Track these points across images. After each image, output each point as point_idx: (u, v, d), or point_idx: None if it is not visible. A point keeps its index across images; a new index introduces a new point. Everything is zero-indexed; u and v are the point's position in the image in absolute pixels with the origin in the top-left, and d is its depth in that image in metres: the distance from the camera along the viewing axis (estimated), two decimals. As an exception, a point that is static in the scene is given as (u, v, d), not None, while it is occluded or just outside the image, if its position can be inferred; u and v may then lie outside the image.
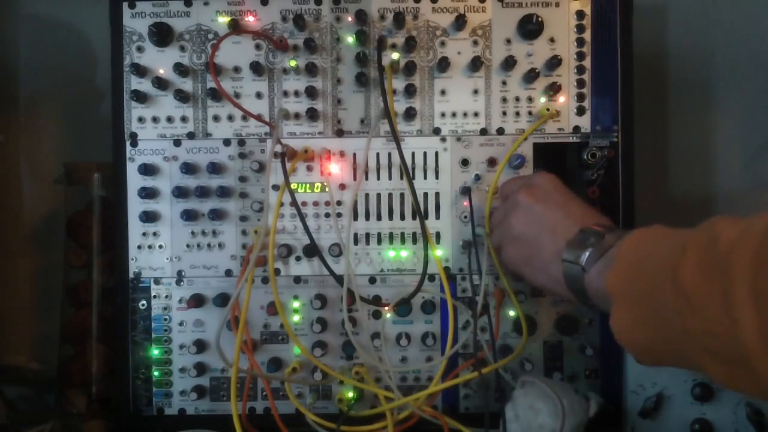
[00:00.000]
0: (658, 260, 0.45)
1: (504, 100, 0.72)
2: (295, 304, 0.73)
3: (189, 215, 0.72)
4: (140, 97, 0.71)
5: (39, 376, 0.90)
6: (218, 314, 0.72)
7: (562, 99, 0.72)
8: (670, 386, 0.66)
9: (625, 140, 0.72)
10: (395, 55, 0.71)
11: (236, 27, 0.71)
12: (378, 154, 0.72)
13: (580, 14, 0.71)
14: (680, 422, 0.66)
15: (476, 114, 0.72)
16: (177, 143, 0.73)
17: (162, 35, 0.71)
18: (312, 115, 0.71)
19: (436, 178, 0.72)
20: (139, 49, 0.72)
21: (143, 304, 0.73)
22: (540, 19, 0.70)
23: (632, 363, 0.67)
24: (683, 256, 0.42)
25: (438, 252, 0.72)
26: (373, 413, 0.69)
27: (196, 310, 0.72)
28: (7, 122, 0.93)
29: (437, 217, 0.72)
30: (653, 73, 0.93)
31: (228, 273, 0.73)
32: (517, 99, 0.72)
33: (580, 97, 0.72)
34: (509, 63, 0.70)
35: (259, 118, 0.71)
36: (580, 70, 0.72)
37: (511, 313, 0.71)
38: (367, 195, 0.72)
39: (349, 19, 0.72)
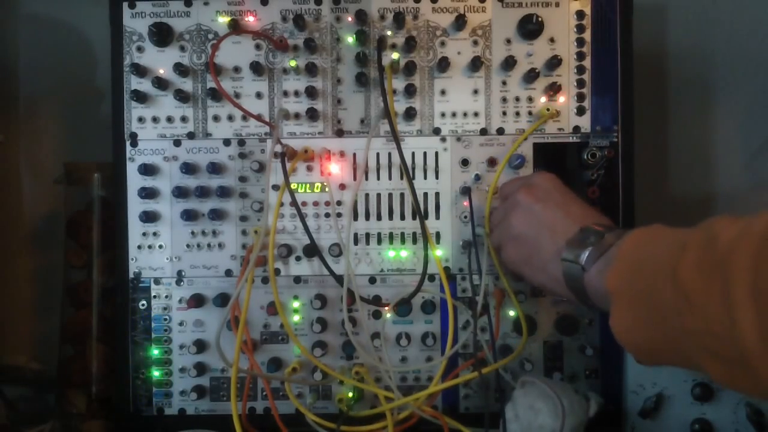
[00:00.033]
0: (658, 260, 0.45)
1: (504, 100, 0.72)
2: (295, 304, 0.73)
3: (189, 215, 0.72)
4: (140, 97, 0.71)
5: (39, 376, 0.90)
6: (218, 314, 0.72)
7: (562, 99, 0.72)
8: (670, 386, 0.66)
9: (625, 140, 0.72)
10: (395, 55, 0.71)
11: (236, 27, 0.71)
12: (378, 154, 0.72)
13: (580, 14, 0.71)
14: (680, 422, 0.66)
15: (476, 114, 0.72)
16: (177, 143, 0.73)
17: (162, 35, 0.71)
18: (312, 115, 0.71)
19: (436, 178, 0.72)
20: (139, 49, 0.72)
21: (143, 304, 0.73)
22: (540, 19, 0.70)
23: (632, 363, 0.67)
24: (683, 255, 0.42)
25: (438, 252, 0.72)
26: (373, 413, 0.69)
27: (196, 310, 0.72)
28: (7, 122, 0.93)
29: (437, 217, 0.72)
30: (653, 73, 0.93)
31: (228, 273, 0.73)
32: (517, 99, 0.72)
33: (580, 97, 0.72)
34: (509, 63, 0.70)
35: (259, 118, 0.71)
36: (580, 70, 0.72)
37: (511, 313, 0.71)
38: (367, 195, 0.72)
39: (349, 19, 0.72)
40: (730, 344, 0.38)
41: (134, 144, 0.73)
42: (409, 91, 0.71)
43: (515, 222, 0.61)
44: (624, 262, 0.49)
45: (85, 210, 0.77)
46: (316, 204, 0.72)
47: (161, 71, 0.72)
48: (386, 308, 0.71)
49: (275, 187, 0.71)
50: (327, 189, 0.72)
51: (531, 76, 0.70)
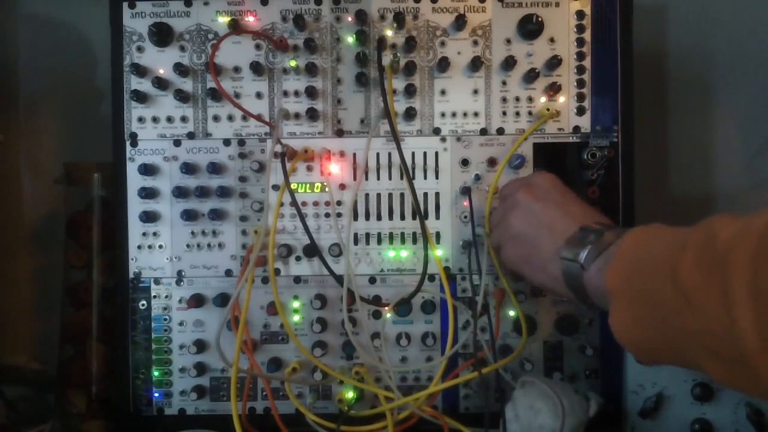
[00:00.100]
0: (658, 258, 0.45)
1: (504, 100, 0.72)
2: (295, 304, 0.73)
3: (189, 215, 0.72)
4: (140, 97, 0.71)
5: (39, 376, 0.90)
6: (218, 314, 0.72)
7: (562, 99, 0.72)
8: (670, 386, 0.66)
9: (625, 140, 0.72)
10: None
11: (236, 27, 0.71)
12: (378, 154, 0.72)
13: (580, 14, 0.71)
14: (680, 422, 0.66)
15: (476, 114, 0.72)
16: (177, 143, 0.73)
17: (162, 35, 0.71)
18: (312, 115, 0.71)
19: (436, 178, 0.72)
20: (139, 49, 0.72)
21: (143, 304, 0.73)
22: (540, 19, 0.70)
23: (632, 363, 0.67)
24: (682, 254, 0.42)
25: (438, 252, 0.72)
26: (373, 413, 0.69)
27: (196, 310, 0.72)
28: (7, 122, 0.93)
29: (437, 217, 0.72)
30: (653, 73, 0.93)
31: (228, 273, 0.73)
32: (517, 99, 0.72)
33: (580, 97, 0.72)
34: (509, 63, 0.70)
35: (259, 118, 0.71)
36: (580, 70, 0.72)
37: (511, 313, 0.71)
38: (367, 195, 0.72)
39: (349, 19, 0.72)
40: (729, 343, 0.38)
41: (134, 144, 0.73)
42: (409, 91, 0.71)
43: (515, 221, 0.61)
44: (623, 260, 0.49)
45: (85, 210, 0.77)
46: (316, 204, 0.72)
47: (161, 71, 0.72)
48: (386, 308, 0.71)
49: (275, 187, 0.71)
50: (327, 189, 0.72)
51: (531, 76, 0.70)
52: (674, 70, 0.94)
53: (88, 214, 0.77)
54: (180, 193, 0.72)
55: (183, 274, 0.73)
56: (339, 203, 0.72)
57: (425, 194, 0.72)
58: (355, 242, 0.72)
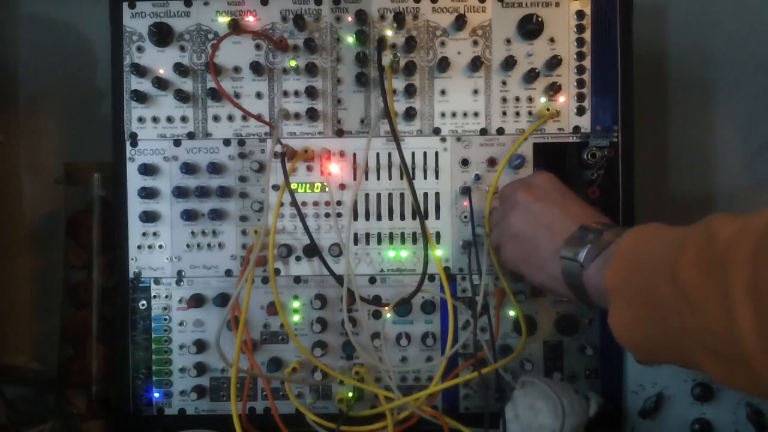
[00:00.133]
0: (657, 257, 0.45)
1: (504, 100, 0.72)
2: (295, 304, 0.73)
3: (189, 215, 0.72)
4: (140, 97, 0.71)
5: (39, 376, 0.90)
6: (218, 314, 0.72)
7: (562, 99, 0.72)
8: (670, 386, 0.66)
9: (625, 140, 0.72)
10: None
11: (236, 27, 0.71)
12: (378, 154, 0.72)
13: (580, 14, 0.71)
14: (680, 422, 0.66)
15: (476, 114, 0.72)
16: (177, 143, 0.73)
17: (162, 35, 0.71)
18: (312, 115, 0.71)
19: (436, 178, 0.72)
20: (139, 49, 0.72)
21: (143, 304, 0.73)
22: (540, 19, 0.70)
23: (632, 363, 0.67)
24: (682, 253, 0.42)
25: (438, 252, 0.72)
26: (373, 413, 0.69)
27: (196, 310, 0.72)
28: (7, 122, 0.93)
29: (437, 217, 0.72)
30: (653, 73, 0.93)
31: (228, 273, 0.73)
32: (517, 99, 0.72)
33: (580, 97, 0.72)
34: (509, 63, 0.70)
35: (259, 118, 0.71)
36: (580, 70, 0.72)
37: (511, 313, 0.71)
38: (367, 195, 0.72)
39: (349, 19, 0.72)
40: (729, 343, 0.38)
41: (134, 144, 0.73)
42: (409, 91, 0.71)
43: (514, 221, 0.61)
44: (623, 259, 0.49)
45: (85, 210, 0.77)
46: (316, 204, 0.72)
47: (161, 71, 0.72)
48: (386, 308, 0.71)
49: (275, 187, 0.71)
50: (327, 189, 0.72)
51: (531, 76, 0.70)
52: (674, 70, 0.94)
53: (88, 214, 0.77)
54: (180, 193, 0.72)
55: (183, 274, 0.73)
56: (339, 203, 0.72)
57: (425, 194, 0.72)
58: (355, 242, 0.72)
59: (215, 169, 0.72)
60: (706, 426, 0.66)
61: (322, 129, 0.73)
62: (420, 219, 0.70)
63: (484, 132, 0.72)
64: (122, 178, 0.73)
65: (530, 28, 0.70)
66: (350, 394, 0.71)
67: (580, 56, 0.72)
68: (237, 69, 0.72)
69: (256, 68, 0.71)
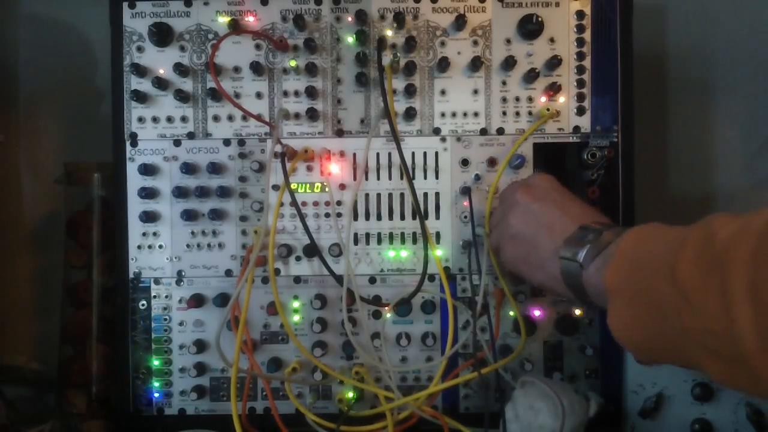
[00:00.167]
0: (657, 257, 0.45)
1: (504, 100, 0.72)
2: (295, 304, 0.73)
3: (189, 215, 0.72)
4: (140, 97, 0.71)
5: (39, 376, 0.90)
6: (218, 314, 0.72)
7: (562, 99, 0.72)
8: (670, 386, 0.66)
9: (625, 140, 0.72)
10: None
11: (236, 27, 0.71)
12: (378, 154, 0.72)
13: (580, 14, 0.71)
14: (680, 422, 0.66)
15: (476, 114, 0.72)
16: (177, 143, 0.73)
17: (162, 35, 0.71)
18: (312, 115, 0.71)
19: (436, 178, 0.72)
20: (139, 49, 0.72)
21: (143, 304, 0.73)
22: (540, 19, 0.70)
23: (632, 363, 0.67)
24: (681, 253, 0.42)
25: (438, 252, 0.72)
26: (373, 413, 0.69)
27: (196, 310, 0.72)
28: (7, 122, 0.93)
29: (437, 217, 0.72)
30: (653, 73, 0.93)
31: (228, 273, 0.73)
32: (517, 99, 0.72)
33: (580, 97, 0.72)
34: (509, 63, 0.70)
35: (259, 118, 0.71)
36: (580, 70, 0.72)
37: (511, 313, 0.71)
38: (367, 195, 0.72)
39: (349, 19, 0.72)
40: (728, 343, 0.38)
41: (134, 144, 0.73)
42: (409, 91, 0.71)
43: (513, 221, 0.62)
44: (622, 259, 0.49)
45: (85, 210, 0.77)
46: (316, 204, 0.72)
47: (161, 71, 0.72)
48: (386, 308, 0.71)
49: (275, 187, 0.71)
50: (327, 189, 0.72)
51: (531, 76, 0.70)
52: (674, 70, 0.94)
53: (88, 214, 0.77)
54: (180, 193, 0.72)
55: (183, 274, 0.73)
56: (339, 203, 0.72)
57: (425, 194, 0.72)
58: (355, 242, 0.72)
59: (215, 169, 0.72)
60: (706, 426, 0.66)
61: (322, 129, 0.73)
62: (420, 219, 0.70)
63: (484, 132, 0.72)
64: (122, 178, 0.73)
65: (530, 28, 0.70)
66: (350, 394, 0.71)
67: (580, 56, 0.72)
68: (237, 69, 0.72)
69: (256, 68, 0.71)
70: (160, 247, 0.73)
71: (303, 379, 0.72)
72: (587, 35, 0.72)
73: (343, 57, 0.72)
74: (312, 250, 0.71)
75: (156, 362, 0.73)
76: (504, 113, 0.72)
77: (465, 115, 0.72)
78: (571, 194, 0.63)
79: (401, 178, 0.71)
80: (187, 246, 0.73)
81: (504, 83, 0.72)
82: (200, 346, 0.72)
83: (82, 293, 0.76)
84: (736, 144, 0.94)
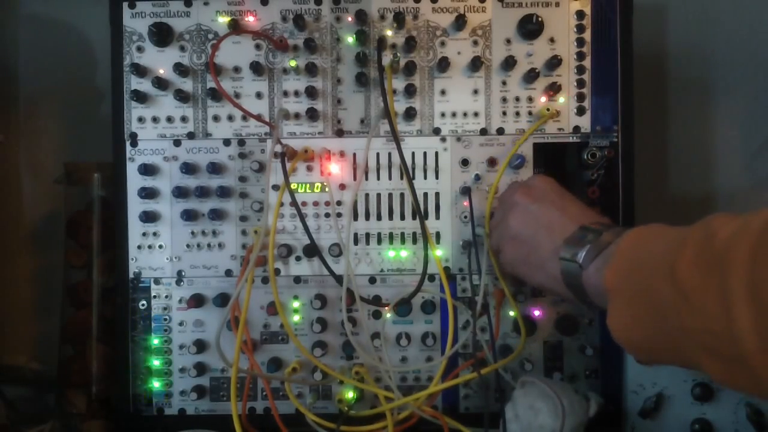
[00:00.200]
0: (657, 257, 0.45)
1: (504, 100, 0.72)
2: (295, 304, 0.73)
3: (189, 215, 0.72)
4: (140, 97, 0.71)
5: (39, 376, 0.90)
6: (218, 314, 0.72)
7: (562, 99, 0.72)
8: (670, 386, 0.66)
9: (625, 140, 0.72)
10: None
11: (236, 27, 0.71)
12: (378, 154, 0.72)
13: (580, 14, 0.71)
14: (680, 422, 0.66)
15: (476, 114, 0.72)
16: (177, 143, 0.73)
17: (162, 35, 0.71)
18: (312, 115, 0.71)
19: (436, 178, 0.72)
20: (139, 49, 0.72)
21: (143, 304, 0.73)
22: (540, 19, 0.70)
23: (632, 363, 0.67)
24: (681, 252, 0.42)
25: (438, 252, 0.72)
26: (373, 413, 0.69)
27: (196, 310, 0.72)
28: (7, 122, 0.93)
29: (437, 217, 0.72)
30: (653, 73, 0.93)
31: (228, 273, 0.73)
32: (517, 99, 0.72)
33: (580, 97, 0.72)
34: (509, 63, 0.70)
35: (259, 118, 0.71)
36: (580, 70, 0.72)
37: (511, 313, 0.71)
38: (367, 195, 0.72)
39: (349, 19, 0.72)
40: (728, 343, 0.38)
41: (134, 144, 0.73)
42: (409, 91, 0.71)
43: (513, 222, 0.62)
44: (622, 259, 0.49)
45: (85, 210, 0.77)
46: (316, 204, 0.72)
47: (161, 71, 0.72)
48: (386, 308, 0.71)
49: (275, 187, 0.71)
50: (327, 189, 0.72)
51: (531, 76, 0.70)
52: (674, 70, 0.94)
53: (88, 214, 0.77)
54: (180, 193, 0.72)
55: (183, 274, 0.73)
56: (339, 203, 0.72)
57: (425, 194, 0.72)
58: (355, 242, 0.72)
59: (215, 169, 0.72)
60: (706, 426, 0.66)
61: (322, 129, 0.73)
62: (420, 219, 0.70)
63: (484, 132, 0.72)
64: (122, 178, 0.73)
65: (530, 28, 0.70)
66: (350, 394, 0.71)
67: (580, 56, 0.72)
68: (237, 69, 0.72)
69: (256, 68, 0.71)
70: (160, 247, 0.73)
71: (303, 379, 0.72)
72: (587, 35, 0.72)
73: (343, 57, 0.72)
74: (312, 250, 0.71)
75: (156, 362, 0.73)
76: (504, 113, 0.72)
77: (465, 115, 0.72)
78: (571, 195, 0.63)
79: (401, 178, 0.71)
80: (187, 246, 0.73)
81: (504, 83, 0.72)
82: (200, 346, 0.72)
83: (82, 293, 0.76)
84: (736, 144, 0.94)
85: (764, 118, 0.94)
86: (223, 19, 0.72)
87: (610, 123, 0.72)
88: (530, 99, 0.72)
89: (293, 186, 0.71)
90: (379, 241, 0.72)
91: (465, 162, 0.72)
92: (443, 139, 0.72)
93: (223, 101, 0.72)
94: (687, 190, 0.95)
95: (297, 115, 0.72)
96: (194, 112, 0.73)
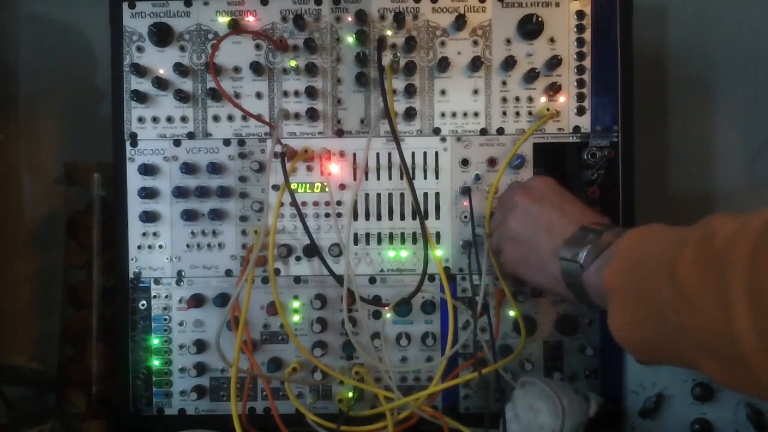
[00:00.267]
0: (656, 257, 0.45)
1: (504, 100, 0.72)
2: (295, 304, 0.73)
3: (189, 215, 0.72)
4: (140, 97, 0.71)
5: (39, 376, 0.90)
6: (218, 314, 0.72)
7: (562, 99, 0.72)
8: (670, 386, 0.66)
9: (625, 140, 0.72)
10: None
11: (236, 27, 0.71)
12: (378, 154, 0.72)
13: (580, 14, 0.71)
14: (680, 422, 0.66)
15: (476, 114, 0.72)
16: (177, 143, 0.73)
17: (162, 35, 0.71)
18: (312, 115, 0.71)
19: (436, 178, 0.72)
20: (139, 49, 0.72)
21: (143, 304, 0.73)
22: (540, 19, 0.70)
23: (632, 363, 0.67)
24: (681, 252, 0.42)
25: (438, 252, 0.72)
26: (373, 413, 0.69)
27: (196, 310, 0.72)
28: (7, 122, 0.93)
29: (437, 217, 0.72)
30: (653, 73, 0.93)
31: (228, 273, 0.73)
32: (517, 99, 0.72)
33: (580, 97, 0.72)
34: (509, 63, 0.70)
35: (259, 118, 0.71)
36: (580, 70, 0.72)
37: (511, 313, 0.71)
38: (367, 195, 0.72)
39: (349, 19, 0.72)
40: (727, 343, 0.38)
41: (134, 144, 0.73)
42: (409, 91, 0.71)
43: (513, 223, 0.62)
44: (622, 260, 0.49)
45: (85, 210, 0.77)
46: (316, 204, 0.72)
47: (161, 71, 0.72)
48: (386, 308, 0.71)
49: (275, 187, 0.71)
50: (327, 189, 0.72)
51: (531, 76, 0.70)
52: (674, 70, 0.94)
53: (88, 214, 0.77)
54: (180, 193, 0.72)
55: (183, 274, 0.73)
56: (339, 203, 0.72)
57: (425, 194, 0.72)
58: (355, 242, 0.72)
59: (215, 169, 0.72)
60: (706, 426, 0.66)
61: (322, 129, 0.73)
62: (420, 219, 0.70)
63: (484, 132, 0.72)
64: (122, 178, 0.73)
65: (530, 28, 0.70)
66: (350, 394, 0.71)
67: (580, 56, 0.72)
68: (237, 69, 0.72)
69: (256, 68, 0.71)
70: (160, 247, 0.73)
71: (303, 379, 0.72)
72: (587, 35, 0.72)
73: (343, 57, 0.72)
74: (312, 250, 0.71)
75: (156, 362, 0.73)
76: (504, 113, 0.72)
77: (465, 115, 0.72)
78: (571, 196, 0.63)
79: (401, 178, 0.71)
80: (187, 246, 0.73)
81: (504, 83, 0.72)
82: (200, 346, 0.72)
83: (82, 293, 0.76)
84: (736, 144, 0.94)
85: (764, 118, 0.94)
86: (223, 19, 0.72)
87: (610, 123, 0.72)
88: (530, 99, 0.72)
89: (293, 186, 0.71)
90: (379, 241, 0.72)
91: (465, 162, 0.72)
92: (443, 139, 0.72)
93: (223, 101, 0.72)
94: (687, 190, 0.95)
95: (297, 115, 0.72)
96: (194, 112, 0.73)
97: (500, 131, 0.72)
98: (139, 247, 0.73)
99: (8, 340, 0.93)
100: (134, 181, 0.72)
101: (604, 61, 0.72)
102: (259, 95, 0.72)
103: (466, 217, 0.72)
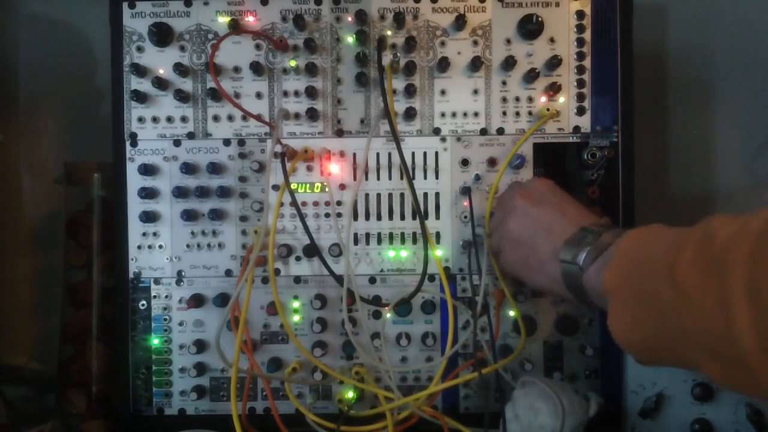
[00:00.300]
0: (656, 258, 0.45)
1: (504, 100, 0.72)
2: (295, 304, 0.73)
3: (189, 215, 0.72)
4: (140, 97, 0.71)
5: (39, 376, 0.90)
6: (218, 314, 0.72)
7: (562, 99, 0.72)
8: (670, 386, 0.66)
9: (625, 140, 0.72)
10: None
11: (236, 27, 0.71)
12: (378, 154, 0.72)
13: (580, 14, 0.71)
14: (680, 422, 0.66)
15: (476, 114, 0.72)
16: (177, 143, 0.73)
17: (162, 35, 0.71)
18: (312, 115, 0.71)
19: (436, 178, 0.72)
20: (139, 49, 0.72)
21: (143, 304, 0.73)
22: (540, 19, 0.70)
23: (632, 363, 0.67)
24: (680, 253, 0.42)
25: (438, 252, 0.72)
26: (373, 413, 0.69)
27: (196, 310, 0.72)
28: (7, 122, 0.93)
29: (437, 217, 0.72)
30: (653, 73, 0.93)
31: (228, 273, 0.73)
32: (517, 99, 0.72)
33: (580, 97, 0.72)
34: (509, 63, 0.70)
35: (259, 118, 0.71)
36: (580, 70, 0.72)
37: (511, 313, 0.71)
38: (367, 195, 0.72)
39: (349, 19, 0.72)
40: (727, 343, 0.38)
41: (134, 144, 0.73)
42: (409, 91, 0.71)
43: (512, 225, 0.62)
44: (622, 260, 0.49)
45: (85, 210, 0.77)
46: (316, 204, 0.72)
47: (161, 71, 0.72)
48: (386, 308, 0.71)
49: (275, 187, 0.71)
50: (327, 189, 0.72)
51: (531, 76, 0.70)
52: (674, 70, 0.94)
53: (88, 214, 0.77)
54: (180, 193, 0.72)
55: (183, 274, 0.73)
56: (339, 203, 0.72)
57: (425, 194, 0.72)
58: (355, 242, 0.72)
59: (215, 169, 0.72)
60: (706, 426, 0.66)
61: (322, 129, 0.73)
62: (420, 219, 0.70)
63: (484, 132, 0.72)
64: (122, 178, 0.73)
65: (530, 28, 0.70)
66: (350, 394, 0.71)
67: (580, 56, 0.72)
68: (237, 69, 0.72)
69: (256, 68, 0.71)
70: (160, 247, 0.73)
71: (303, 379, 0.72)
72: (587, 35, 0.72)
73: (343, 57, 0.72)
74: (312, 250, 0.71)
75: (156, 362, 0.73)
76: (504, 113, 0.72)
77: (465, 115, 0.72)
78: (570, 197, 0.63)
79: (401, 178, 0.71)
80: (187, 246, 0.73)
81: (504, 83, 0.72)
82: (200, 346, 0.72)
83: (82, 293, 0.76)
84: (736, 144, 0.94)
85: (764, 118, 0.94)
86: (223, 19, 0.72)
87: (610, 123, 0.72)
88: (530, 99, 0.72)
89: (293, 186, 0.71)
90: (379, 241, 0.72)
91: (465, 162, 0.72)
92: (443, 139, 0.72)
93: (223, 101, 0.72)
94: (687, 190, 0.95)
95: (297, 115, 0.72)
96: (194, 112, 0.73)
97: (500, 131, 0.72)
98: (139, 247, 0.73)
99: (8, 340, 0.93)
100: (134, 181, 0.72)
101: (604, 61, 0.72)
102: (259, 95, 0.72)
103: (466, 217, 0.72)
